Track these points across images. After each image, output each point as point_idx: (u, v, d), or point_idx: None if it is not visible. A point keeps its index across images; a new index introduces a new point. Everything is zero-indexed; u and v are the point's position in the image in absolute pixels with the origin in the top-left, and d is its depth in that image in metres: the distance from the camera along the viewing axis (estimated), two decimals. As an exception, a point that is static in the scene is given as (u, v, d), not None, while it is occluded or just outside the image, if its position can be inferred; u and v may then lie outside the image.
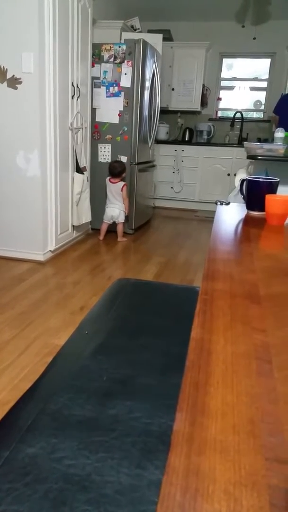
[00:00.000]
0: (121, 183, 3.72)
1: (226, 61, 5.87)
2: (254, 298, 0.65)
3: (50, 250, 3.22)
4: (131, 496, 0.59)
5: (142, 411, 0.76)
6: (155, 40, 4.32)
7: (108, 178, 3.76)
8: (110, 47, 3.65)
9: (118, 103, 3.76)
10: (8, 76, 2.83)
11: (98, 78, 3.73)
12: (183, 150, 5.47)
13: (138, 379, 0.87)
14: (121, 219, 3.82)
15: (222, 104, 6.03)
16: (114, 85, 3.73)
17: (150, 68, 3.90)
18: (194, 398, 0.40)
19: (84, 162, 3.62)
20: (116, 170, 3.69)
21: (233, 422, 0.37)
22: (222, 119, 5.97)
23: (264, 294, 0.67)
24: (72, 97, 3.24)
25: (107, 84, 3.74)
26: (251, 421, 0.37)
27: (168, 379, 0.88)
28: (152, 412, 0.77)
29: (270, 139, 5.34)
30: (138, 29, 4.72)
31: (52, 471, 0.63)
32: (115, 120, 3.81)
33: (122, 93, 3.73)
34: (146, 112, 3.94)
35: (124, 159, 3.88)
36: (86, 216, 3.67)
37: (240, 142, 5.60)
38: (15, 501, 0.59)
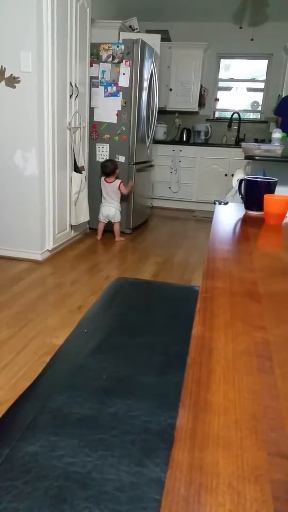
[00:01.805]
0: (118, 182, 3.72)
1: (223, 62, 5.88)
2: (254, 296, 0.66)
3: (48, 250, 3.22)
4: (131, 494, 0.59)
5: (141, 409, 0.77)
6: (153, 40, 4.33)
7: (103, 178, 3.76)
8: (109, 47, 3.65)
9: (116, 103, 3.77)
10: (6, 75, 2.83)
11: (97, 77, 3.73)
12: (180, 150, 5.48)
13: (137, 378, 0.87)
14: (117, 218, 3.82)
15: (219, 105, 6.04)
16: (112, 85, 3.73)
17: (148, 68, 3.90)
18: (197, 395, 0.40)
19: (82, 161, 3.61)
20: (108, 169, 3.69)
21: (236, 418, 0.38)
22: (220, 119, 5.98)
23: (263, 292, 0.67)
24: (70, 96, 3.24)
25: (105, 83, 3.74)
26: (253, 417, 0.38)
27: (167, 377, 0.88)
28: (152, 410, 0.77)
29: (267, 140, 5.36)
30: (136, 29, 4.73)
31: (53, 469, 0.63)
32: (113, 120, 3.82)
33: (120, 93, 3.73)
34: (144, 112, 3.94)
35: (122, 159, 3.88)
36: (84, 216, 3.67)
37: (237, 143, 5.61)
38: (15, 499, 0.59)
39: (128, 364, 0.93)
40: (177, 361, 0.93)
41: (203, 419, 0.37)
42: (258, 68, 5.75)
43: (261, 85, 5.78)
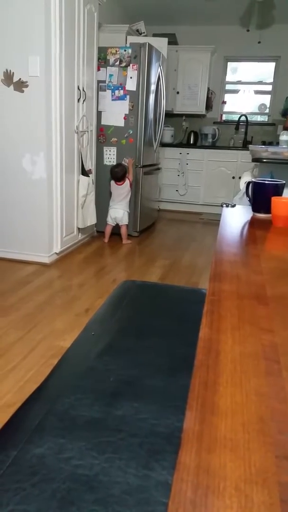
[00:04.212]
0: (127, 182, 3.74)
1: (230, 65, 5.88)
2: (261, 299, 0.65)
3: (56, 253, 3.23)
4: (138, 497, 0.59)
5: (149, 412, 0.77)
6: (160, 44, 4.34)
7: (113, 180, 3.78)
8: (116, 50, 3.67)
9: (123, 107, 3.78)
10: (15, 79, 2.85)
11: (104, 81, 3.75)
12: (188, 153, 5.48)
13: (145, 380, 0.87)
14: (125, 221, 3.83)
15: (226, 108, 6.04)
16: (120, 88, 3.74)
17: (155, 71, 3.91)
18: (204, 397, 0.40)
19: (90, 165, 3.63)
20: (119, 175, 3.71)
21: (243, 421, 0.37)
22: (227, 122, 5.97)
23: (271, 295, 0.67)
24: (78, 100, 3.26)
25: (112, 87, 3.76)
26: (260, 420, 0.37)
27: (174, 380, 0.88)
28: (159, 413, 0.77)
29: (274, 142, 5.34)
30: (144, 33, 4.75)
31: (60, 471, 0.63)
32: (121, 123, 3.83)
33: (128, 96, 3.75)
34: (151, 115, 3.95)
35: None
36: (91, 219, 3.69)
37: (244, 145, 5.60)
38: (23, 501, 0.59)
39: (136, 366, 0.93)
40: (184, 364, 0.92)
41: (210, 422, 0.37)
42: (265, 70, 5.74)
43: (269, 88, 5.77)
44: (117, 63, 3.70)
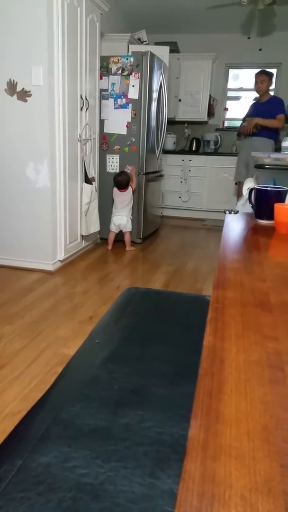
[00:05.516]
0: (130, 189, 3.76)
1: (232, 72, 5.92)
2: (265, 306, 0.65)
3: (59, 260, 3.24)
4: (144, 505, 0.59)
5: (153, 421, 0.77)
6: (162, 52, 4.38)
7: (116, 188, 3.79)
8: (118, 59, 3.71)
9: (126, 115, 3.81)
10: (18, 89, 2.88)
11: (106, 90, 3.78)
12: (190, 160, 5.50)
13: (149, 388, 0.87)
14: (128, 227, 3.84)
15: (228, 114, 6.07)
16: (122, 97, 3.77)
17: (157, 79, 3.94)
18: (208, 406, 0.41)
19: (93, 172, 3.65)
20: (123, 183, 3.72)
21: (248, 429, 0.37)
22: (229, 129, 5.99)
23: (275, 302, 0.67)
24: (81, 109, 3.29)
25: (115, 96, 3.79)
26: (265, 428, 0.38)
27: (179, 388, 0.88)
28: (164, 421, 0.77)
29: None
30: (145, 41, 4.79)
31: (65, 480, 0.63)
32: (123, 131, 3.86)
33: (130, 104, 3.77)
34: (153, 123, 3.97)
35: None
36: (94, 226, 3.70)
37: (247, 152, 5.61)
38: (29, 510, 0.59)
39: (140, 374, 0.93)
40: (188, 372, 0.92)
41: (215, 430, 0.37)
42: (266, 77, 5.76)
43: (270, 94, 5.79)
44: (119, 71, 3.73)
